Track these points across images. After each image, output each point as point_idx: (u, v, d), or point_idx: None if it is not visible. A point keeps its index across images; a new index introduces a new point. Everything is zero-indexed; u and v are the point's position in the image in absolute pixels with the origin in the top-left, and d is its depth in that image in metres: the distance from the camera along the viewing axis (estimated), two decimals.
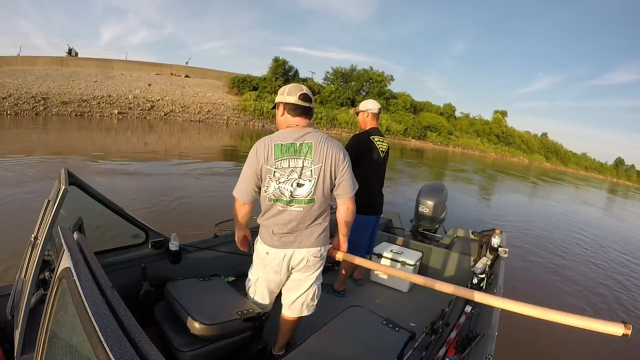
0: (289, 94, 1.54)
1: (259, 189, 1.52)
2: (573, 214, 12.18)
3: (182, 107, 23.02)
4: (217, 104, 25.23)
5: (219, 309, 1.64)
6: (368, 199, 2.57)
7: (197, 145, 14.48)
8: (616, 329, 1.06)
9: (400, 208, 4.56)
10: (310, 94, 1.58)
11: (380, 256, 2.97)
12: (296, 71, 33.47)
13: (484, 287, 2.35)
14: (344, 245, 1.77)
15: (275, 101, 1.60)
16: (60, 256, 0.96)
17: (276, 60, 31.47)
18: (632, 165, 67.59)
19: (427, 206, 3.63)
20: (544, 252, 6.38)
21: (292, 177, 1.47)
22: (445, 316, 2.34)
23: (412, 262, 2.87)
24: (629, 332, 1.04)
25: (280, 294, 1.76)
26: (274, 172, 1.46)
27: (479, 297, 1.50)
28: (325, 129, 27.95)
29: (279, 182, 1.47)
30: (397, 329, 1.66)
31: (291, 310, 1.73)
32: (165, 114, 21.61)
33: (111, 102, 20.16)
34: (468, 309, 2.09)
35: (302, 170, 1.47)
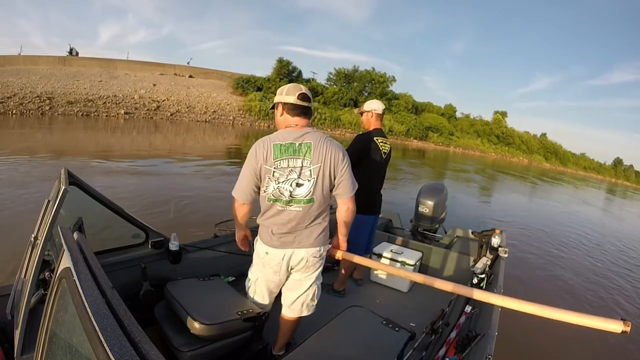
0: (287, 94, 1.53)
1: (259, 189, 1.51)
2: (572, 213, 12.19)
3: (187, 108, 23.04)
4: (222, 104, 25.24)
5: (219, 309, 1.64)
6: (368, 199, 2.57)
7: (202, 146, 14.51)
8: (615, 326, 1.07)
9: (400, 208, 4.56)
10: (309, 93, 1.57)
11: (380, 256, 2.97)
12: (300, 72, 33.66)
13: (484, 287, 2.34)
14: (343, 244, 1.77)
15: (274, 101, 1.59)
16: (60, 256, 0.96)
17: (280, 61, 31.73)
18: (631, 166, 67.88)
19: (427, 206, 3.63)
20: (544, 251, 6.38)
21: (292, 177, 1.46)
22: (445, 316, 2.34)
23: (412, 262, 2.87)
24: (628, 329, 1.04)
25: (280, 294, 1.76)
26: (273, 172, 1.45)
27: (479, 295, 1.50)
28: (329, 130, 28.07)
29: (278, 182, 1.46)
30: (397, 329, 1.66)
31: (291, 310, 1.73)
32: (171, 114, 21.64)
33: (117, 102, 20.13)
34: (468, 308, 2.09)
35: (301, 170, 1.47)
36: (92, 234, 1.71)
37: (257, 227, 1.63)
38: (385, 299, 2.77)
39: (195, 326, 1.48)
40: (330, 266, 3.10)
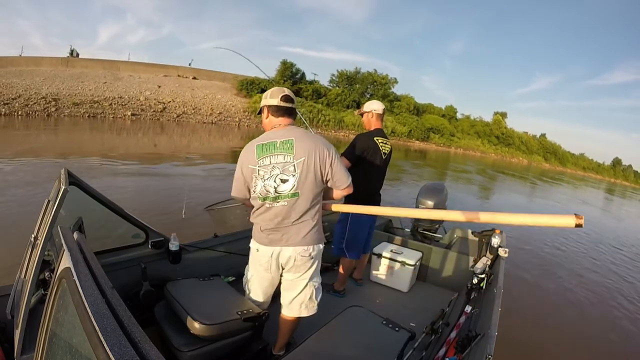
0: (271, 97, 1.59)
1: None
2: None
3: (194, 109, 23.09)
4: (227, 106, 25.28)
5: (219, 309, 1.64)
6: (367, 198, 2.57)
7: (209, 147, 14.54)
8: (569, 221, 1.07)
9: None
10: (292, 95, 1.62)
11: (380, 256, 2.97)
12: (303, 73, 33.79)
13: (484, 287, 2.34)
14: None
15: (260, 105, 1.65)
16: (60, 256, 0.96)
17: (284, 63, 31.93)
18: (630, 166, 68.01)
19: (427, 206, 3.62)
20: (544, 251, 6.38)
21: (274, 173, 1.52)
22: (445, 316, 2.34)
23: (412, 262, 2.87)
24: (581, 221, 1.05)
25: (280, 293, 1.77)
26: (258, 170, 1.53)
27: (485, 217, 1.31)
28: (333, 131, 28.21)
29: (264, 180, 1.52)
30: (397, 329, 1.66)
31: (289, 310, 1.74)
32: (177, 116, 21.69)
33: (123, 103, 20.17)
34: (468, 308, 2.09)
35: (284, 165, 1.51)
36: (92, 234, 1.71)
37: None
38: (385, 299, 2.77)
39: (195, 326, 1.48)
40: (330, 266, 3.10)
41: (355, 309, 1.79)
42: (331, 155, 1.56)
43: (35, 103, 16.53)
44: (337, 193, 1.69)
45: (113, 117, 18.61)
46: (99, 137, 12.90)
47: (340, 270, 2.69)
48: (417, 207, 3.72)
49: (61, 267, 0.89)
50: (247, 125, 24.25)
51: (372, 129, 2.56)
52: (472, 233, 3.37)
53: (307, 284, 1.68)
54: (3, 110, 15.07)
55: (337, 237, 2.68)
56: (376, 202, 2.66)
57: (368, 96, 35.76)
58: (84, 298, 0.69)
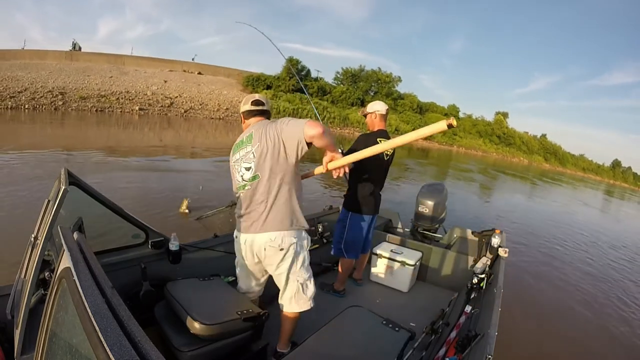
0: (244, 104, 1.77)
1: None
2: (572, 214, 12.20)
3: (201, 105, 23.18)
4: (234, 101, 25.26)
5: (219, 309, 1.64)
6: (368, 198, 2.57)
7: (214, 142, 14.56)
8: (442, 125, 1.24)
9: (400, 208, 4.54)
10: (262, 99, 1.77)
11: (380, 256, 2.97)
12: (308, 70, 33.98)
13: (484, 287, 2.34)
14: (330, 154, 1.63)
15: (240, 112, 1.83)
16: (60, 256, 0.96)
17: (290, 60, 31.85)
18: (629, 167, 68.15)
19: (426, 206, 3.62)
20: (545, 251, 6.38)
21: (241, 164, 1.66)
22: (445, 316, 2.34)
23: (412, 262, 2.87)
24: (452, 122, 1.19)
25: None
26: (234, 166, 1.71)
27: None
28: (338, 128, 28.25)
29: (238, 173, 1.69)
30: (397, 329, 1.66)
31: (282, 305, 1.78)
32: (185, 111, 21.75)
33: (130, 98, 20.20)
34: (468, 308, 2.09)
35: (246, 155, 1.64)
36: (92, 234, 1.71)
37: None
38: (385, 299, 2.77)
39: (195, 326, 1.48)
40: (330, 266, 3.10)
41: (355, 309, 1.79)
42: (279, 126, 1.54)
43: (42, 97, 16.51)
44: (316, 141, 1.49)
45: (121, 112, 18.66)
46: (106, 132, 12.90)
47: (340, 270, 2.69)
48: (417, 206, 3.73)
49: (61, 267, 0.89)
50: None
51: (375, 129, 2.56)
52: (472, 233, 3.37)
53: (287, 280, 1.70)
54: (10, 103, 15.02)
55: (336, 237, 2.68)
56: (376, 202, 2.66)
57: (372, 94, 35.91)
58: (84, 298, 0.69)
